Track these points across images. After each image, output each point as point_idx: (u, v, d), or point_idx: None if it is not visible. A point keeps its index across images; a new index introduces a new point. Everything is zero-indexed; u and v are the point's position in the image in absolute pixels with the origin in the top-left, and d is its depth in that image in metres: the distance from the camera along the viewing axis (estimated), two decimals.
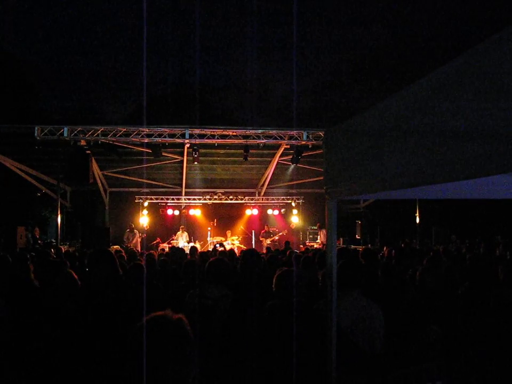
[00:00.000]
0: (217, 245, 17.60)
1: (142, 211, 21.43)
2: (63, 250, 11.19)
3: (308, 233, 21.73)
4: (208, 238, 20.86)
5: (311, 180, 20.82)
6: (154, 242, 20.01)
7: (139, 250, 16.40)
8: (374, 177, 2.55)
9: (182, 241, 19.91)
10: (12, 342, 3.90)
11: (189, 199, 22.08)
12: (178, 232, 20.41)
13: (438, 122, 1.94)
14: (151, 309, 2.17)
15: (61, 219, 16.72)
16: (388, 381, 3.74)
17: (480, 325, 4.12)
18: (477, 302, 4.44)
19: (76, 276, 4.98)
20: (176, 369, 1.90)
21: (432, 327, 4.26)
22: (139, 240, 19.66)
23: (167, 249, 16.69)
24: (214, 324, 4.55)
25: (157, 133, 15.53)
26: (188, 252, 10.98)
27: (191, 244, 18.65)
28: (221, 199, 21.71)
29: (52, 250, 10.55)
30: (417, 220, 19.35)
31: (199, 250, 15.58)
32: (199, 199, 21.95)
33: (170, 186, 22.43)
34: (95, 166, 18.13)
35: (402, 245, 15.85)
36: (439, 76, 1.97)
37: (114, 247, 15.62)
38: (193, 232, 21.69)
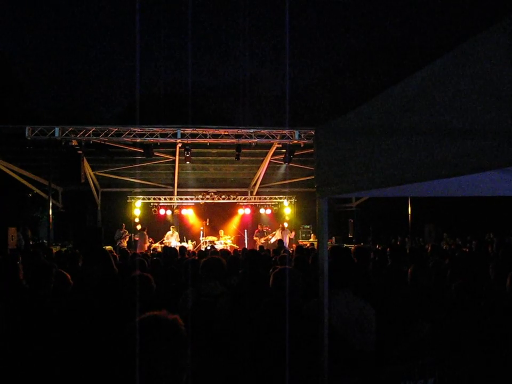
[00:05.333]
0: (209, 247, 17.59)
1: (134, 211, 21.37)
2: (54, 251, 11.13)
3: (300, 232, 21.73)
4: (201, 238, 20.84)
5: (303, 178, 20.84)
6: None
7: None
8: (364, 175, 2.54)
9: (174, 241, 19.86)
10: (5, 341, 3.89)
11: (181, 198, 22.04)
12: (168, 232, 20.33)
13: (429, 119, 1.94)
14: (146, 308, 2.17)
15: (52, 220, 16.65)
16: (379, 379, 3.75)
17: (472, 322, 4.13)
18: (468, 299, 4.45)
19: (68, 276, 4.97)
20: (170, 369, 1.90)
21: (424, 324, 4.27)
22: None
23: (159, 249, 16.65)
24: (215, 320, 4.55)
25: (149, 133, 15.50)
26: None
27: (183, 244, 18.62)
28: (213, 199, 21.69)
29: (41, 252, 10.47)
30: (409, 218, 19.40)
31: (192, 250, 15.61)
32: (192, 199, 21.92)
33: (163, 186, 22.38)
34: (86, 166, 18.07)
35: (398, 243, 15.88)
36: (429, 73, 1.97)
37: (107, 247, 15.56)
38: (186, 232, 21.66)
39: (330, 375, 3.11)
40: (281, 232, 20.79)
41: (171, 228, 20.57)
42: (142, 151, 16.26)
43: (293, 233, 21.27)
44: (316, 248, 11.82)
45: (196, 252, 13.44)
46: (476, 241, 15.98)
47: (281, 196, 22.77)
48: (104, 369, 3.10)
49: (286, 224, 21.84)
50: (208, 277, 5.04)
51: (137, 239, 19.79)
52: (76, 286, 4.81)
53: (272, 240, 20.38)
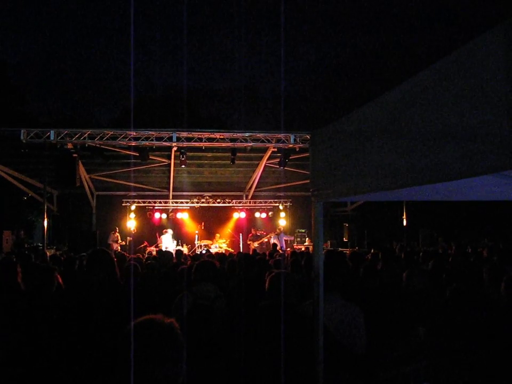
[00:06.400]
0: (204, 251, 17.61)
1: (129, 214, 21.34)
2: (48, 255, 11.10)
3: (295, 236, 21.73)
4: (196, 242, 20.82)
5: (299, 182, 20.86)
6: (142, 246, 19.93)
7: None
8: (360, 179, 2.55)
9: (170, 244, 19.83)
10: (3, 345, 3.88)
11: (176, 202, 22.02)
12: (162, 236, 20.28)
13: (424, 123, 1.95)
14: (143, 311, 2.17)
15: (47, 223, 16.60)
16: (376, 383, 3.75)
17: (466, 326, 4.14)
18: (463, 303, 4.46)
19: (60, 280, 4.96)
20: (166, 373, 1.91)
21: (419, 329, 4.28)
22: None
23: (154, 253, 16.63)
24: (211, 324, 4.55)
25: (144, 136, 15.49)
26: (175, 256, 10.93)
27: (179, 247, 18.60)
28: (208, 202, 21.68)
29: (33, 255, 10.46)
30: (404, 222, 19.45)
31: (187, 253, 15.57)
32: (187, 202, 21.90)
33: (158, 189, 22.36)
34: (81, 170, 18.04)
35: (394, 247, 15.89)
36: (424, 77, 1.98)
37: None
38: (181, 235, 21.63)
39: (325, 379, 3.11)
40: (278, 236, 20.78)
41: (163, 232, 20.52)
42: (137, 154, 16.24)
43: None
44: (310, 251, 11.83)
45: (191, 255, 13.43)
46: (471, 245, 15.99)
47: (276, 200, 22.78)
48: (101, 372, 3.10)
49: (281, 228, 21.86)
50: (203, 279, 5.04)
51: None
52: (77, 288, 4.80)
53: (272, 241, 20.37)
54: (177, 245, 20.36)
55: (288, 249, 19.00)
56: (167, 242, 20.00)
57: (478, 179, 1.98)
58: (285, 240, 20.83)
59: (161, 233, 20.46)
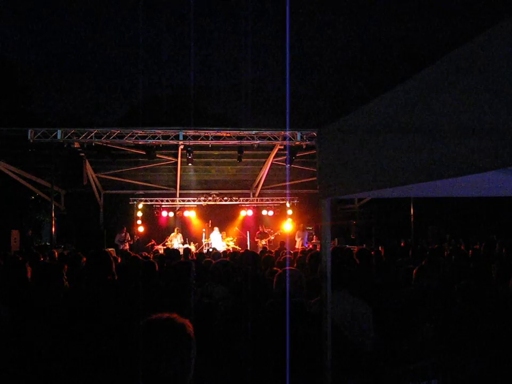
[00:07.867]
0: (210, 249, 17.62)
1: (136, 213, 21.38)
2: (57, 254, 11.12)
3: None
4: (203, 240, 20.84)
5: (306, 180, 20.82)
6: (149, 244, 19.96)
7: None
8: (367, 175, 2.54)
9: (176, 242, 19.88)
10: (12, 342, 3.89)
11: (183, 200, 22.03)
12: (172, 234, 20.36)
13: (431, 119, 1.94)
14: (150, 309, 2.17)
15: (55, 222, 16.65)
16: (383, 380, 3.74)
17: (475, 323, 4.12)
18: (472, 300, 4.44)
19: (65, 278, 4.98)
20: (175, 370, 1.91)
21: (428, 325, 4.26)
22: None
23: (161, 251, 16.66)
24: (214, 323, 4.55)
25: (151, 135, 15.50)
26: (182, 253, 10.95)
27: (186, 245, 18.63)
28: (215, 200, 21.67)
29: (40, 254, 10.48)
30: (412, 219, 19.37)
31: (195, 252, 15.60)
32: (194, 201, 21.91)
33: (165, 188, 22.39)
34: (89, 169, 18.08)
35: (402, 244, 15.84)
36: (431, 73, 1.96)
37: (109, 249, 15.56)
38: (188, 233, 21.64)
39: (333, 376, 3.10)
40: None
41: (176, 230, 20.58)
42: (144, 153, 16.26)
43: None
44: (317, 249, 11.81)
45: (197, 253, 13.43)
46: (483, 243, 15.88)
47: (283, 197, 22.74)
48: (112, 369, 3.10)
49: (288, 226, 21.82)
50: (214, 280, 5.05)
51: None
52: (79, 287, 4.82)
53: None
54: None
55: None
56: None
57: (488, 175, 1.96)
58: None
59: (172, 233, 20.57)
